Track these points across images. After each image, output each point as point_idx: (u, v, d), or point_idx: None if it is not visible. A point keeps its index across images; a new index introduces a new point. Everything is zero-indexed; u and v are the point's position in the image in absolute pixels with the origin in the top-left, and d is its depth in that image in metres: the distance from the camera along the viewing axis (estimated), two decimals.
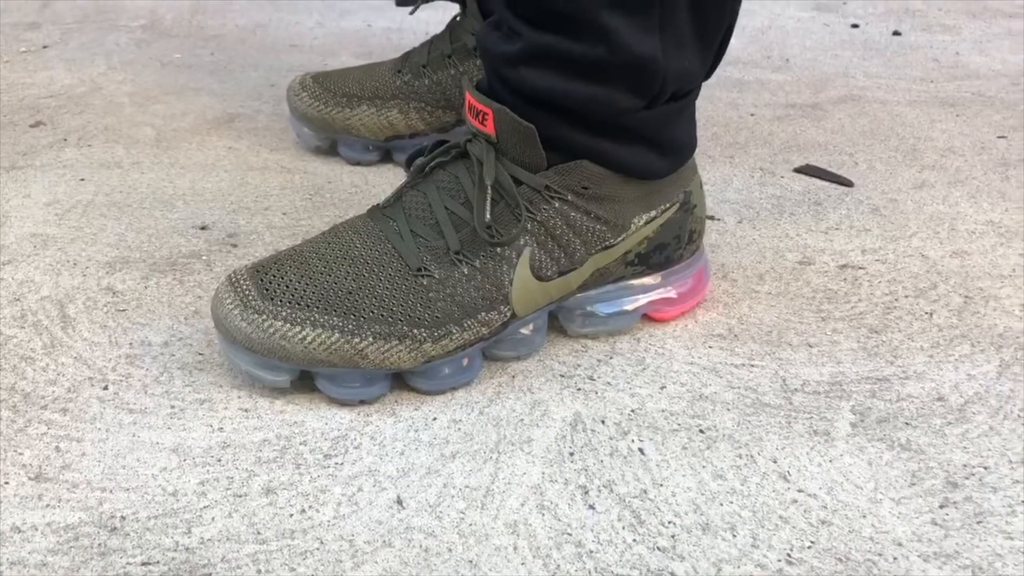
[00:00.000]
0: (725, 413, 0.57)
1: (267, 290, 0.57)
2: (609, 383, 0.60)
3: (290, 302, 0.56)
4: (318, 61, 1.17)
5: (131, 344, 0.63)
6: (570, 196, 0.59)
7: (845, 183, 0.85)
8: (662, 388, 0.59)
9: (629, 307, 0.64)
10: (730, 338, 0.64)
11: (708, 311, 0.67)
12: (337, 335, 0.56)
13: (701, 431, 0.56)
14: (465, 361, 0.59)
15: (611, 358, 0.62)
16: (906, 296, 0.69)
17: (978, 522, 0.49)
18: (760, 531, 0.49)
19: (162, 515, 0.49)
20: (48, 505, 0.50)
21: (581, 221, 0.60)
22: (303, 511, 0.50)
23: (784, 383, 0.60)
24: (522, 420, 0.56)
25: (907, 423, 0.57)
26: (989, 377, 0.61)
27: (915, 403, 0.58)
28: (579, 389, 0.59)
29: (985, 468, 0.53)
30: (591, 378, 0.60)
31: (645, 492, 0.51)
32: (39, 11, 1.37)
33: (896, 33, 1.31)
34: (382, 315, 0.56)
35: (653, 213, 0.62)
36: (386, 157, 0.89)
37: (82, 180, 0.85)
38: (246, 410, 0.57)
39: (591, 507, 0.50)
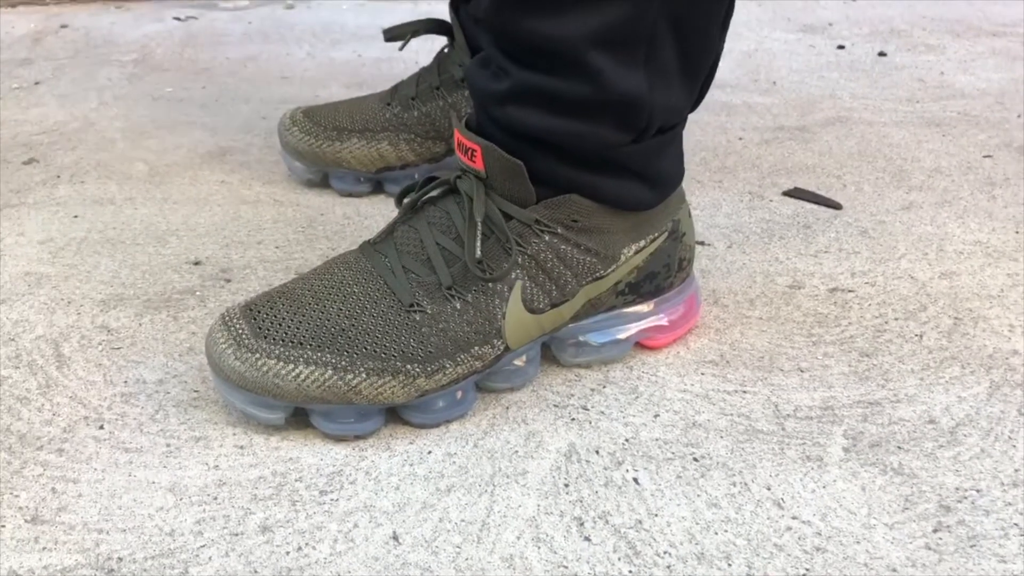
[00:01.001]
0: (718, 440, 0.57)
1: (260, 328, 0.57)
2: (603, 412, 0.60)
3: (283, 340, 0.56)
4: (309, 93, 1.18)
5: (126, 382, 0.63)
6: (560, 229, 0.60)
7: (834, 206, 0.86)
8: (655, 416, 0.60)
9: (621, 336, 0.64)
10: (722, 364, 0.65)
11: (700, 337, 0.68)
12: (330, 372, 0.56)
13: (695, 459, 0.56)
14: (459, 394, 0.59)
15: (604, 387, 0.62)
16: (896, 319, 0.70)
17: (971, 546, 0.50)
18: (755, 559, 0.49)
19: (159, 555, 0.50)
20: (45, 548, 0.50)
21: (571, 253, 0.60)
22: (299, 548, 0.50)
23: (776, 409, 0.60)
24: (516, 452, 0.57)
25: (899, 447, 0.57)
26: (979, 399, 0.61)
27: (907, 426, 0.59)
28: (573, 419, 0.59)
29: (977, 491, 0.53)
30: (585, 408, 0.60)
31: (640, 522, 0.51)
32: (31, 47, 1.38)
33: (881, 54, 1.32)
34: (375, 351, 0.57)
35: (642, 243, 0.63)
36: (378, 188, 0.90)
37: (76, 217, 0.86)
38: (241, 447, 0.57)
39: (587, 539, 0.50)
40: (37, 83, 1.22)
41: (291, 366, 0.56)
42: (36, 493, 0.54)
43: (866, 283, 0.75)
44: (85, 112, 1.12)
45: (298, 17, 1.55)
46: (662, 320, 0.65)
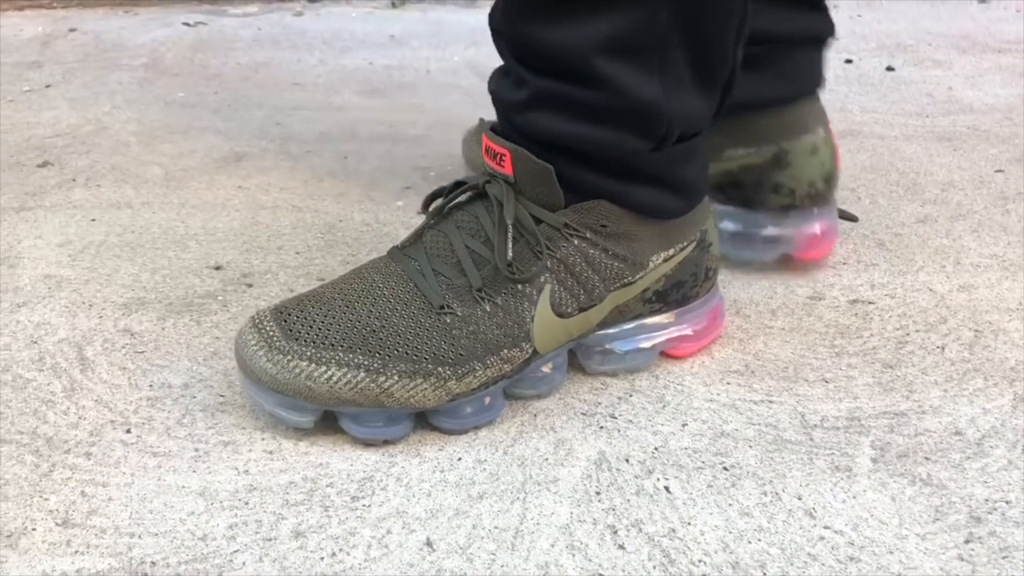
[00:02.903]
0: (747, 450, 0.58)
1: (291, 330, 0.57)
2: (631, 421, 0.60)
3: (314, 342, 0.56)
4: (322, 99, 1.18)
5: (151, 386, 0.63)
6: (588, 234, 0.60)
7: (850, 218, 0.86)
8: (684, 425, 0.60)
9: (646, 344, 0.64)
10: (747, 374, 0.65)
11: (724, 347, 0.68)
12: (363, 374, 0.56)
13: (725, 468, 0.56)
14: (487, 400, 0.59)
15: (631, 395, 0.62)
16: (917, 331, 0.70)
17: (1004, 556, 0.50)
18: (790, 569, 0.49)
19: (192, 560, 0.49)
20: (77, 551, 0.50)
21: (600, 258, 0.60)
22: (334, 554, 0.50)
23: (803, 419, 0.61)
24: (547, 459, 0.57)
25: (927, 458, 0.57)
26: (1004, 411, 0.61)
27: (933, 437, 0.59)
28: (601, 427, 0.60)
29: (1007, 502, 0.54)
30: (613, 416, 0.61)
31: (674, 531, 0.52)
32: (40, 50, 1.38)
33: (889, 68, 1.33)
34: (407, 353, 0.57)
35: (671, 251, 0.63)
36: None
37: (93, 220, 0.86)
38: (270, 452, 0.57)
39: (621, 547, 0.50)
40: (48, 86, 1.22)
41: (323, 368, 0.56)
42: (66, 496, 0.53)
43: (886, 295, 0.75)
44: (98, 115, 1.12)
45: (307, 24, 1.55)
46: (686, 330, 0.66)
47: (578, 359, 0.64)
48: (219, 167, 0.98)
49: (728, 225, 0.77)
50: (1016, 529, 0.52)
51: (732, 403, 0.62)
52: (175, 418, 0.60)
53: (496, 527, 0.52)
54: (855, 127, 1.11)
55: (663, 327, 0.65)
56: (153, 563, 0.49)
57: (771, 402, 0.62)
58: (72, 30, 1.48)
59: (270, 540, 0.51)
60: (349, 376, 0.56)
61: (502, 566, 0.49)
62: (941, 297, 0.75)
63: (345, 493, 0.54)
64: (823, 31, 0.76)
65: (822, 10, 0.75)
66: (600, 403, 0.62)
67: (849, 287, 0.76)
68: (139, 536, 0.51)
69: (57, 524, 0.51)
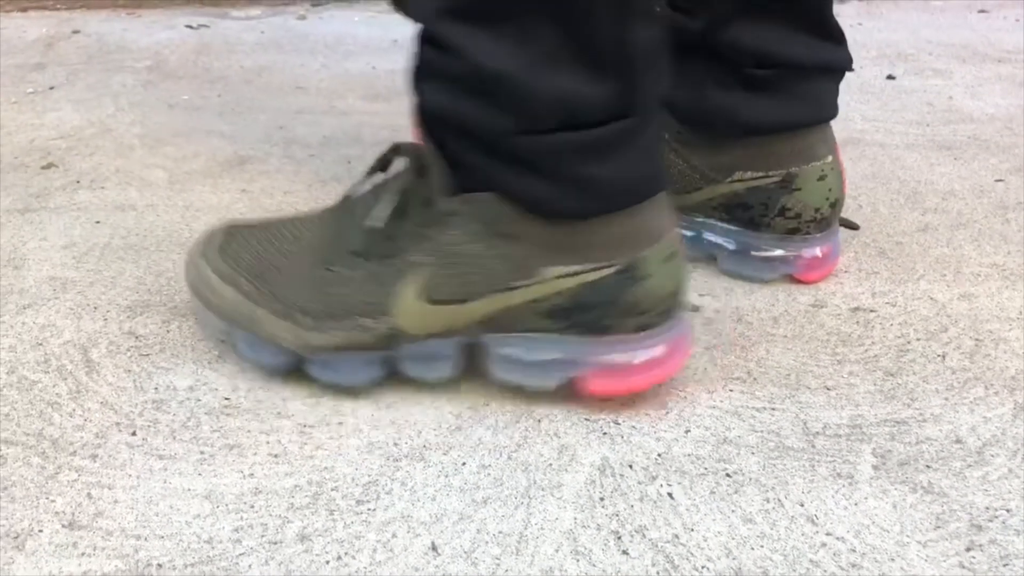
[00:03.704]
0: (750, 457, 0.58)
1: (226, 248, 0.65)
2: (634, 427, 0.60)
3: (231, 262, 0.64)
4: (326, 103, 1.19)
5: (156, 389, 0.63)
6: (475, 226, 0.58)
7: (851, 226, 0.87)
8: (686, 432, 0.60)
9: (546, 357, 0.60)
10: (749, 381, 0.65)
11: (726, 354, 0.68)
12: (247, 301, 0.63)
13: (728, 475, 0.56)
14: (362, 367, 0.61)
15: (634, 402, 0.63)
16: (918, 339, 0.71)
17: (1004, 565, 0.50)
18: (792, 575, 0.49)
19: (199, 563, 0.50)
20: (84, 553, 0.50)
21: (483, 254, 0.58)
22: (339, 558, 0.50)
23: (805, 426, 0.61)
24: (551, 465, 0.57)
25: (928, 465, 0.58)
26: (1005, 419, 0.62)
27: (934, 445, 0.59)
28: (605, 433, 0.60)
29: (1008, 511, 0.54)
30: (616, 422, 0.61)
31: (677, 537, 0.52)
32: (44, 52, 1.38)
33: (890, 77, 1.34)
34: (284, 296, 0.62)
35: (573, 268, 0.58)
36: None
37: (97, 223, 0.86)
38: (275, 456, 0.57)
39: (625, 552, 0.51)
40: (52, 88, 1.22)
41: (226, 286, 0.63)
42: (72, 498, 0.54)
43: (887, 303, 0.75)
44: (101, 118, 1.12)
45: (310, 28, 1.55)
46: (605, 362, 0.60)
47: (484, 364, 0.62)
48: (223, 170, 0.98)
49: (730, 244, 0.78)
50: (1017, 537, 0.52)
51: (735, 410, 0.62)
52: (180, 421, 0.60)
53: (500, 532, 0.52)
54: (856, 135, 1.12)
55: (578, 350, 0.60)
56: (159, 565, 0.49)
57: (773, 409, 0.62)
58: (76, 32, 1.48)
59: (275, 543, 0.51)
60: (238, 299, 0.62)
61: (506, 570, 0.50)
62: (942, 306, 0.75)
63: (350, 497, 0.54)
64: (839, 62, 0.76)
65: (840, 42, 0.76)
66: (603, 409, 0.62)
67: (850, 295, 0.77)
68: (145, 538, 0.51)
69: (63, 526, 0.52)
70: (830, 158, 0.76)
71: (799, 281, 0.77)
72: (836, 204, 0.77)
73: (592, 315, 0.59)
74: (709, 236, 0.79)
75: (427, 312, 0.60)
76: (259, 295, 0.62)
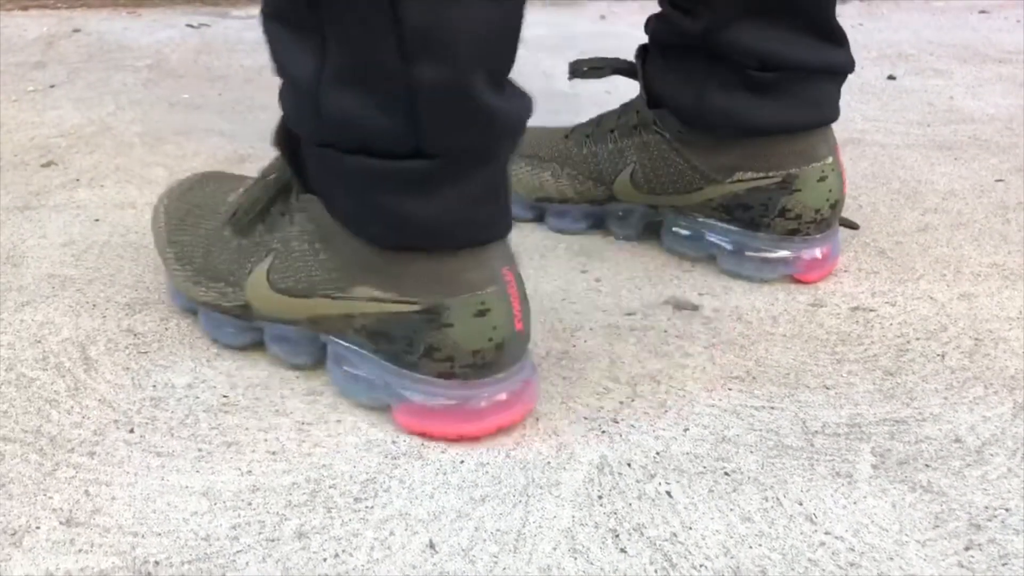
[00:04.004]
0: (749, 455, 0.58)
1: (191, 188, 0.72)
2: (633, 426, 0.60)
3: (173, 218, 0.70)
4: None
5: (154, 386, 0.63)
6: (310, 226, 0.59)
7: (852, 226, 0.87)
8: (685, 431, 0.60)
9: (367, 376, 0.60)
10: (748, 380, 0.65)
11: (725, 353, 0.68)
12: (165, 236, 0.70)
13: (726, 473, 0.56)
14: (238, 332, 0.66)
15: (633, 400, 0.63)
16: (917, 338, 0.71)
17: (1003, 564, 0.50)
18: (791, 574, 0.49)
19: (196, 560, 0.50)
20: (81, 550, 0.50)
21: (309, 255, 0.60)
22: (336, 555, 0.50)
23: (804, 425, 0.61)
24: (549, 463, 0.57)
25: (927, 465, 0.58)
26: (1004, 419, 0.62)
27: (933, 445, 0.59)
28: (603, 432, 0.60)
29: (1007, 510, 0.54)
30: (614, 420, 0.61)
31: (675, 535, 0.52)
32: (44, 50, 1.38)
33: (891, 77, 1.34)
34: (187, 240, 0.68)
35: (378, 294, 0.57)
36: (539, 218, 0.87)
37: (97, 221, 0.86)
38: (273, 453, 0.57)
39: (623, 551, 0.51)
40: (52, 86, 1.23)
41: (160, 216, 0.72)
42: (69, 495, 0.54)
43: (886, 303, 0.75)
44: (102, 116, 1.12)
45: None
46: (407, 399, 0.58)
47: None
48: (223, 168, 0.98)
49: (730, 244, 0.78)
50: (1016, 537, 0.52)
51: (733, 409, 0.62)
52: (178, 418, 0.60)
53: (498, 530, 0.52)
54: (856, 135, 1.12)
55: (390, 378, 0.58)
56: (157, 563, 0.49)
57: (772, 408, 0.62)
58: (76, 30, 1.48)
59: (273, 541, 0.51)
60: (161, 235, 0.71)
61: (504, 568, 0.49)
62: (942, 305, 0.75)
63: (348, 494, 0.54)
64: (841, 64, 0.76)
65: (843, 45, 0.76)
66: (602, 408, 0.62)
67: (850, 294, 0.77)
68: (143, 536, 0.51)
69: (61, 523, 0.52)
70: (830, 159, 0.76)
71: (799, 280, 0.77)
72: (836, 205, 0.77)
73: (396, 347, 0.57)
74: (709, 236, 0.79)
75: (271, 297, 0.62)
76: (178, 236, 0.68)
